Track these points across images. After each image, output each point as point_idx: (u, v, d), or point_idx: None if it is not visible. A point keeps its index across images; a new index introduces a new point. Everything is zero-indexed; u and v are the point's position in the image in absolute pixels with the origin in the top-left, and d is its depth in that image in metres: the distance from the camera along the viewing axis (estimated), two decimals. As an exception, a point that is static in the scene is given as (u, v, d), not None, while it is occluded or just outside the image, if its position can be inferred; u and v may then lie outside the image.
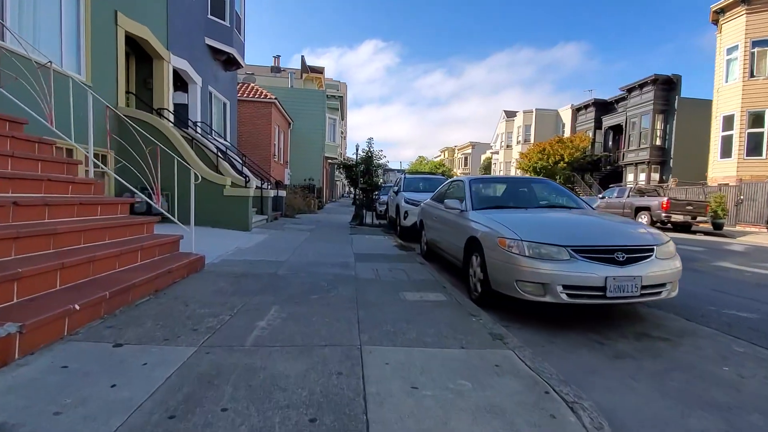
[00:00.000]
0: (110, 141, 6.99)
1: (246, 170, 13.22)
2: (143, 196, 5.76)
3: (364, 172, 11.72)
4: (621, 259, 3.33)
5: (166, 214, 5.03)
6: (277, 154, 20.49)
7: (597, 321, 3.65)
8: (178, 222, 5.13)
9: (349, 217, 15.82)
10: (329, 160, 28.57)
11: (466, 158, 63.92)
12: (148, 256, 4.11)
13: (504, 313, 3.72)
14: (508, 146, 41.61)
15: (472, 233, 4.24)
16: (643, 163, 27.41)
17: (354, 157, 13.42)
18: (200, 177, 5.62)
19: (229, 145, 14.25)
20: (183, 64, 11.05)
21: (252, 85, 20.01)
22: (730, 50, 20.26)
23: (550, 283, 3.27)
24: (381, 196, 13.03)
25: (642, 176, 27.67)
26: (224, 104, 14.74)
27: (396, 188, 10.75)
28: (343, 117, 31.64)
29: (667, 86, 26.72)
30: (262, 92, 18.99)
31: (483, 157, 57.31)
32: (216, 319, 3.02)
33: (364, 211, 11.90)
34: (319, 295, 3.84)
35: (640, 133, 27.85)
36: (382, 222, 12.33)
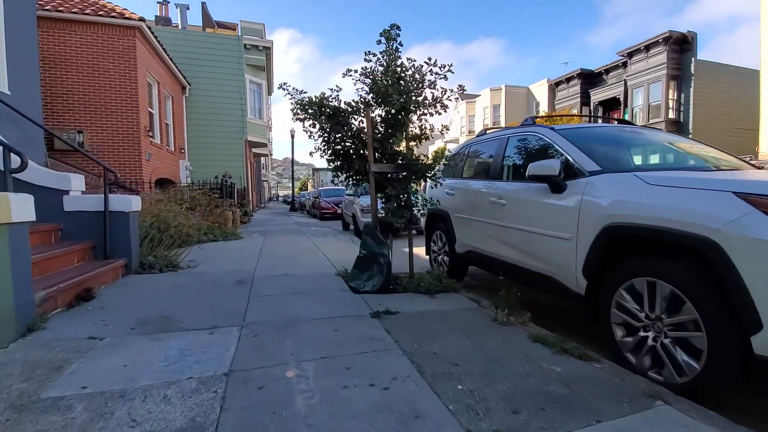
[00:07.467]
0: None
1: (36, 162, 4.43)
2: None
3: (390, 125, 3.62)
4: None
5: None
6: (154, 131, 11.28)
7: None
8: None
9: (309, 243, 7.36)
10: (254, 148, 19.39)
11: (410, 151, 57.56)
12: None
13: None
14: (470, 132, 35.50)
15: None
16: (656, 141, 22.34)
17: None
18: None
19: (6, 94, 5.24)
20: None
21: (92, -7, 10.46)
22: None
23: None
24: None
25: (653, 157, 22.65)
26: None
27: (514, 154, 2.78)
28: (270, 88, 21.50)
29: (678, 47, 21.82)
30: (113, 8, 9.76)
31: (431, 148, 51.17)
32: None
33: (387, 236, 3.83)
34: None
35: (648, 105, 22.76)
36: (442, 271, 4.42)
